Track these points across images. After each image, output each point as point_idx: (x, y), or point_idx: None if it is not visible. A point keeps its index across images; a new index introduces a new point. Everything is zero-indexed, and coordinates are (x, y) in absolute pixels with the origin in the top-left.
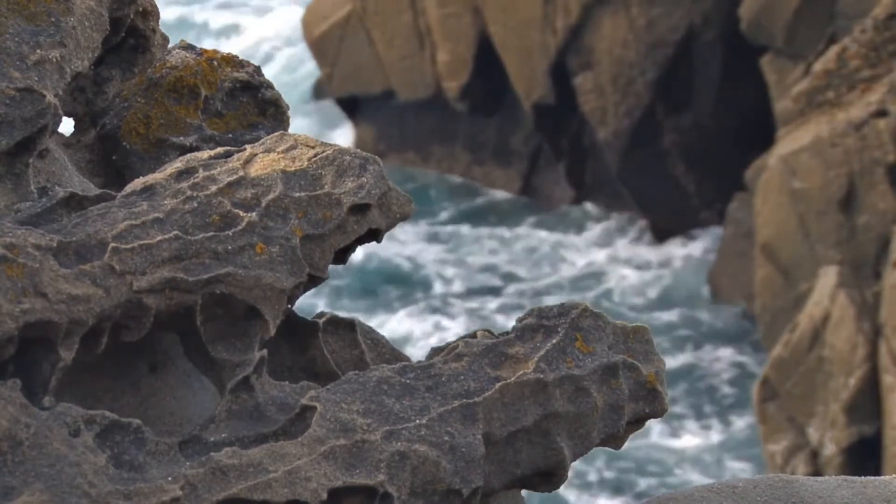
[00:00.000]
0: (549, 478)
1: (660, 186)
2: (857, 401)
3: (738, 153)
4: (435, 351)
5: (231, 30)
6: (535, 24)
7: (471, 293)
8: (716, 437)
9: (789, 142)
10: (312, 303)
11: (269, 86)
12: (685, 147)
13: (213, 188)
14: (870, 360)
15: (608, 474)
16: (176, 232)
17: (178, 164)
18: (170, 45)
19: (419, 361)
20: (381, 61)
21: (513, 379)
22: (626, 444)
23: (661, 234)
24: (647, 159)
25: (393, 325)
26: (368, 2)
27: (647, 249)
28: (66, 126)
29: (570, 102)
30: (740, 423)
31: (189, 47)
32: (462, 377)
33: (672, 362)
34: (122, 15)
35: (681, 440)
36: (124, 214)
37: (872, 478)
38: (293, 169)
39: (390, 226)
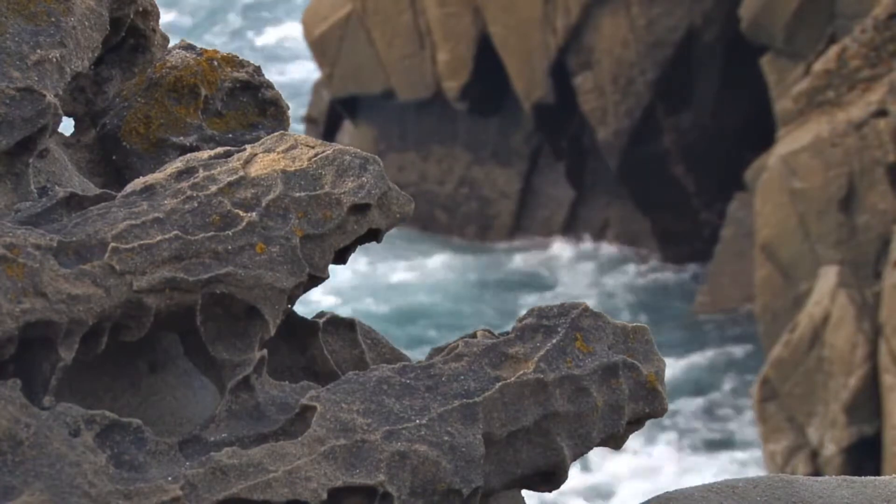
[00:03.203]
0: (549, 478)
1: (660, 186)
2: (857, 401)
3: (738, 153)
4: (435, 351)
5: None
6: (535, 24)
7: None
8: (716, 437)
9: (789, 142)
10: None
11: (269, 85)
12: (685, 147)
13: (213, 188)
14: (870, 360)
15: (607, 474)
16: (176, 232)
17: (178, 163)
18: (170, 45)
19: (419, 361)
20: (381, 61)
21: (513, 379)
22: (626, 444)
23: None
24: (647, 159)
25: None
26: (368, 2)
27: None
28: (66, 126)
29: (570, 102)
30: (740, 423)
31: (189, 47)
32: (462, 377)
33: (672, 362)
34: (122, 15)
35: (680, 440)
36: (124, 214)
37: (872, 478)
38: (293, 169)
39: (390, 226)
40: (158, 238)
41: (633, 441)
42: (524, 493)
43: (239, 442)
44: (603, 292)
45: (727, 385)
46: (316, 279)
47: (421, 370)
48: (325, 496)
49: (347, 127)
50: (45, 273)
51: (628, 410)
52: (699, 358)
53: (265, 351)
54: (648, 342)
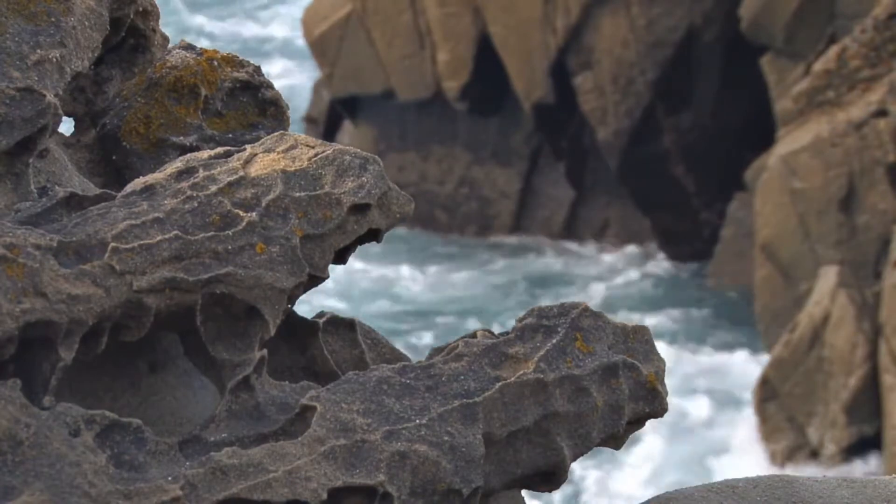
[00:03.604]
0: (549, 478)
1: (660, 186)
2: (857, 401)
3: (738, 153)
4: (435, 351)
5: None
6: (535, 24)
7: None
8: (716, 436)
9: (789, 142)
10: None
11: (269, 85)
12: (685, 147)
13: (213, 188)
14: (870, 360)
15: (607, 474)
16: (176, 232)
17: (178, 163)
18: (170, 45)
19: (419, 361)
20: (381, 61)
21: (513, 379)
22: (625, 444)
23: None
24: (647, 159)
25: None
26: (368, 2)
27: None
28: (66, 126)
29: (570, 102)
30: (740, 422)
31: (189, 47)
32: (462, 377)
33: (671, 361)
34: (122, 15)
35: (680, 440)
36: (124, 214)
37: (872, 478)
38: (293, 169)
39: (390, 226)
40: (158, 238)
41: (632, 442)
42: (524, 493)
43: (239, 442)
44: (603, 292)
45: (726, 384)
46: (316, 279)
47: (421, 370)
48: (325, 496)
49: (347, 127)
50: (45, 273)
51: (628, 410)
52: (698, 357)
53: (265, 351)
54: (648, 342)
